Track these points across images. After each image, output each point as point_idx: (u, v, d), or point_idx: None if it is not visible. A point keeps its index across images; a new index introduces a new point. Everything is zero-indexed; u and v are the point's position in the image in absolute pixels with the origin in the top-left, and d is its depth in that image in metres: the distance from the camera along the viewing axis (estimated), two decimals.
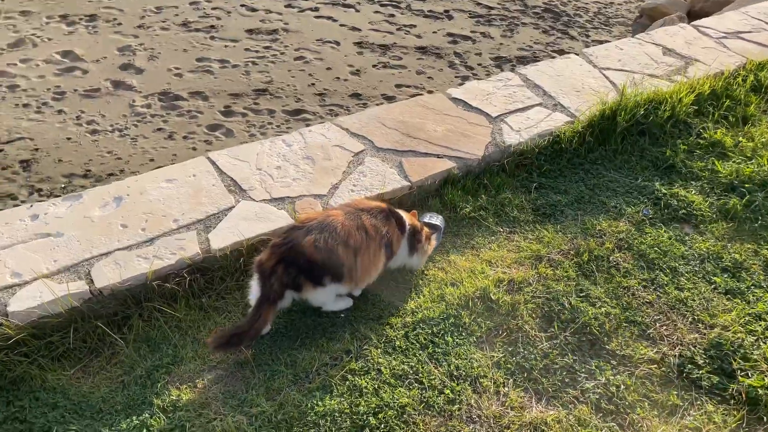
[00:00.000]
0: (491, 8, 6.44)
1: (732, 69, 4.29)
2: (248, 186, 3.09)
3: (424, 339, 2.56)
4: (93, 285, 2.56)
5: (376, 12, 6.11)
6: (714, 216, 3.26)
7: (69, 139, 4.09)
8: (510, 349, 2.55)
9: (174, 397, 2.36)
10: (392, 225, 2.65)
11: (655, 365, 2.53)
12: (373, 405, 2.29)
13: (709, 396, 2.43)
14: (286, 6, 6.11)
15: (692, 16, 6.22)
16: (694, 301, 2.81)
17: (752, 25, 4.93)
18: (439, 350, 2.52)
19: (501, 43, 5.65)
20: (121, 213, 2.91)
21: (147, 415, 2.30)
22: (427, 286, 2.81)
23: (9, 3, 5.74)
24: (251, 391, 2.37)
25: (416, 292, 2.79)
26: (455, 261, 2.95)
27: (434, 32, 5.78)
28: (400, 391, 2.35)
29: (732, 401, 2.41)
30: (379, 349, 2.52)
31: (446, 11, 6.26)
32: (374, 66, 5.18)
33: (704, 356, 2.57)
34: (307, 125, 4.22)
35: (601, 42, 5.51)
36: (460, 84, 4.76)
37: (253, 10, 5.98)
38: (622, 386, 2.43)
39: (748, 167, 3.50)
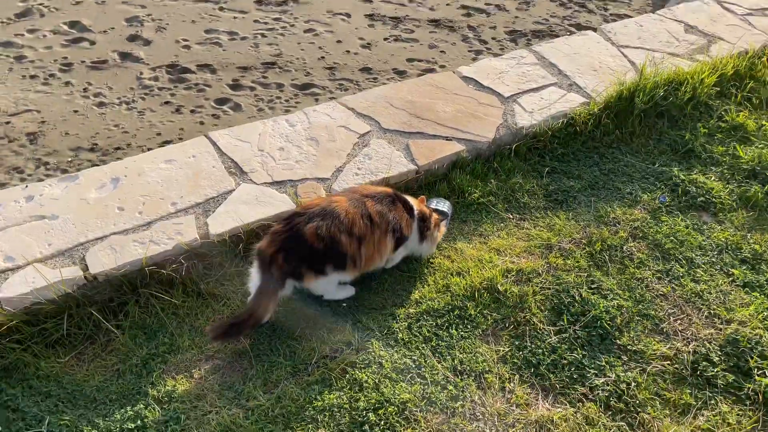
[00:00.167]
0: None
1: (757, 48, 4.09)
2: (249, 168, 2.99)
3: (428, 331, 2.47)
4: (87, 271, 2.49)
5: None
6: (734, 204, 3.13)
7: (76, 111, 4.02)
8: (517, 343, 2.46)
9: (169, 388, 2.30)
10: (399, 212, 2.54)
11: (668, 362, 2.43)
12: (374, 400, 2.22)
13: (724, 395, 2.33)
14: None
15: None
16: (711, 294, 2.69)
17: None
18: (443, 343, 2.43)
19: (516, 17, 5.45)
20: (118, 195, 2.82)
21: (142, 405, 2.24)
22: (432, 275, 2.72)
23: None
24: (248, 383, 2.30)
25: (421, 282, 2.70)
26: (462, 249, 2.85)
27: (447, 4, 5.59)
28: (401, 386, 2.27)
29: (748, 402, 2.31)
30: (380, 341, 2.44)
31: None
32: (385, 39, 5.02)
33: (719, 353, 2.46)
34: (316, 100, 4.11)
35: (620, 16, 5.30)
36: (474, 59, 4.61)
37: None
38: (633, 383, 2.33)
39: None
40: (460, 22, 5.32)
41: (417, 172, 3.07)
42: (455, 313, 2.54)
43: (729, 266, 2.82)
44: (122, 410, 2.23)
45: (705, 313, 2.61)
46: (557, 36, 4.87)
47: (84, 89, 4.26)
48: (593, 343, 2.47)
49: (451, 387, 2.28)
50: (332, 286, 2.54)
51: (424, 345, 2.43)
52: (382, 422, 2.16)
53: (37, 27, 4.86)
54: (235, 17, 5.22)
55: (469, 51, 4.90)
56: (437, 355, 2.39)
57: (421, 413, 2.20)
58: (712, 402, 2.30)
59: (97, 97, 4.18)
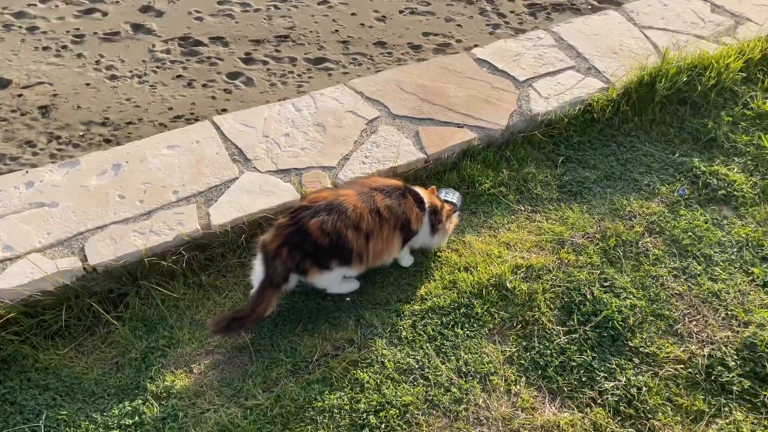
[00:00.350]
0: None
1: None
2: (253, 155, 2.91)
3: (433, 330, 2.40)
4: (86, 262, 2.44)
5: None
6: (756, 198, 3.00)
7: (88, 84, 3.99)
8: (524, 343, 2.39)
9: (168, 383, 2.26)
10: (410, 205, 2.46)
11: (682, 365, 2.34)
12: (374, 402, 2.16)
13: (739, 402, 2.24)
14: None
15: None
16: (729, 294, 2.59)
17: None
18: (448, 343, 2.36)
19: None
20: (119, 182, 2.76)
21: (140, 401, 2.21)
22: (439, 270, 2.64)
23: None
24: (248, 380, 2.26)
25: (427, 276, 2.62)
26: (470, 242, 2.76)
27: None
28: (403, 387, 2.21)
29: (763, 410, 2.22)
30: (384, 340, 2.37)
31: None
32: (401, 12, 4.88)
33: (736, 357, 2.37)
34: (329, 75, 4.02)
35: None
36: (491, 33, 4.46)
37: None
38: (644, 388, 2.26)
39: None
40: None
41: (426, 161, 2.97)
42: (461, 311, 2.46)
43: (749, 264, 2.70)
44: (120, 405, 2.20)
45: (722, 315, 2.51)
46: (578, 10, 4.69)
47: (96, 61, 4.22)
48: (604, 344, 2.39)
49: (455, 389, 2.22)
50: (336, 280, 2.47)
51: (428, 344, 2.36)
52: (383, 425, 2.10)
53: None
54: None
55: (486, 25, 4.73)
56: (441, 355, 2.33)
57: (423, 417, 2.14)
58: (726, 409, 2.22)
59: (109, 70, 4.14)
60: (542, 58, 3.61)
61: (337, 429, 2.10)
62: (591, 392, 2.25)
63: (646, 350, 2.37)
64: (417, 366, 2.29)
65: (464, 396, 2.20)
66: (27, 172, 2.79)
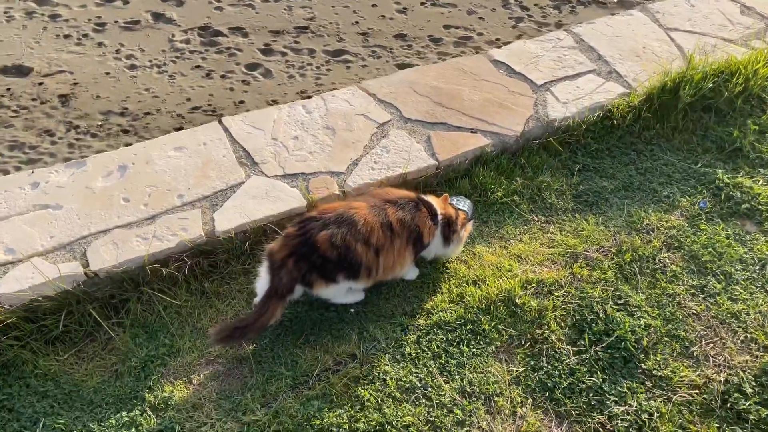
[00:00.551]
0: None
1: None
2: (261, 158, 2.85)
3: (437, 346, 2.34)
4: (88, 267, 2.41)
5: None
6: None
7: (108, 74, 3.98)
8: (532, 363, 2.31)
9: (167, 394, 2.22)
10: (422, 218, 2.38)
11: (696, 391, 2.25)
12: (374, 422, 2.10)
13: None
14: None
15: None
16: (749, 315, 2.48)
17: None
18: (453, 361, 2.29)
19: None
20: (124, 185, 2.72)
21: (137, 411, 2.18)
22: (447, 283, 2.57)
23: None
24: (247, 394, 2.21)
25: (434, 289, 2.55)
26: (480, 254, 2.68)
27: None
28: (405, 407, 2.15)
29: None
30: (387, 355, 2.31)
31: None
32: (422, 4, 4.79)
33: (754, 384, 2.26)
34: (348, 67, 3.96)
35: None
36: (513, 26, 4.34)
37: None
38: (656, 414, 2.17)
39: None
40: None
41: (437, 167, 2.89)
42: (468, 327, 2.39)
43: None
44: (118, 415, 2.17)
45: (741, 337, 2.41)
46: (604, 4, 4.55)
47: (116, 50, 4.21)
48: (615, 366, 2.30)
49: (458, 410, 2.15)
50: (341, 291, 2.41)
51: (432, 362, 2.29)
52: None
53: None
54: None
55: (509, 18, 4.62)
56: (445, 373, 2.26)
57: None
58: None
59: (129, 60, 4.13)
60: (562, 60, 3.49)
61: None
62: (600, 417, 2.17)
63: (660, 373, 2.28)
64: (420, 385, 2.22)
65: (467, 418, 2.14)
66: (33, 172, 2.77)
